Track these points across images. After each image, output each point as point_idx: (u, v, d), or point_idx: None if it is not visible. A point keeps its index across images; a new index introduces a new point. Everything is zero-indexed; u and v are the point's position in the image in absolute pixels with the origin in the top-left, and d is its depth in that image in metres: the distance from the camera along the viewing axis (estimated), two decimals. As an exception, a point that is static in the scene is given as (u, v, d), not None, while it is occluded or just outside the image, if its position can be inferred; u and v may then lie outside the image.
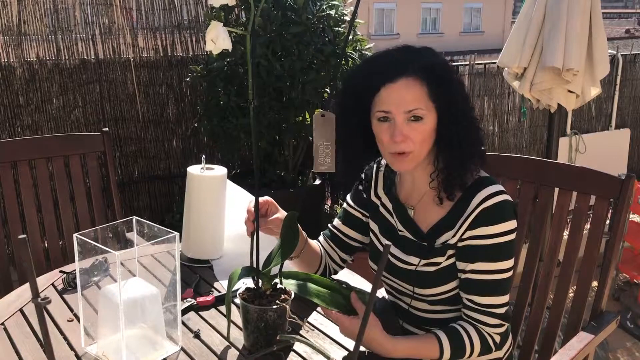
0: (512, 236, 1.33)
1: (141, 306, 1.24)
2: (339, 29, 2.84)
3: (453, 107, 1.31)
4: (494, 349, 1.36)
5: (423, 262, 1.37)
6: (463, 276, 1.34)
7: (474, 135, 1.35)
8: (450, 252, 1.35)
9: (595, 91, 2.68)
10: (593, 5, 2.51)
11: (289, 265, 1.49)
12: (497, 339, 1.36)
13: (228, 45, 1.16)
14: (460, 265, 1.34)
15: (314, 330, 1.39)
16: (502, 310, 1.34)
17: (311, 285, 1.30)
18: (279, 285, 1.32)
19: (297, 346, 1.31)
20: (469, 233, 1.32)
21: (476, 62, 3.74)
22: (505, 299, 1.34)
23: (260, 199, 1.41)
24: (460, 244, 1.34)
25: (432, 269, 1.37)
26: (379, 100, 1.31)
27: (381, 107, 1.31)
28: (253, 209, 1.35)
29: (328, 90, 2.78)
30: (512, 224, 1.32)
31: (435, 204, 1.38)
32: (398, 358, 1.27)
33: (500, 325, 1.35)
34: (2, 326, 1.36)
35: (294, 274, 1.33)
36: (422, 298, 1.41)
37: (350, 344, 1.33)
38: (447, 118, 1.31)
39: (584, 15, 2.49)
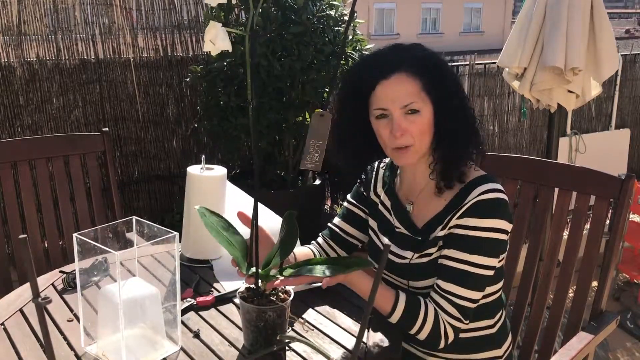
0: (498, 235, 1.32)
1: (141, 306, 1.24)
2: (339, 29, 2.84)
3: (448, 98, 1.33)
4: (442, 342, 1.32)
5: (416, 255, 1.39)
6: (439, 261, 1.36)
7: (471, 125, 1.37)
8: (441, 243, 1.37)
9: (595, 91, 2.68)
10: (595, 4, 2.51)
11: None
12: (450, 334, 1.32)
13: (227, 46, 1.15)
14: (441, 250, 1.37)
15: (313, 330, 1.39)
16: (463, 303, 1.31)
17: (308, 265, 1.28)
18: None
19: (297, 346, 1.31)
20: (455, 222, 1.34)
21: (476, 62, 3.75)
22: (471, 294, 1.31)
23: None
24: (447, 232, 1.35)
25: (425, 260, 1.38)
26: (375, 98, 1.34)
27: (378, 104, 1.34)
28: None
29: (328, 90, 2.78)
30: (500, 223, 1.31)
31: (435, 197, 1.39)
32: (354, 290, 1.33)
33: (458, 320, 1.32)
34: (2, 326, 1.36)
35: (294, 266, 1.32)
36: (417, 292, 1.41)
37: (350, 343, 1.33)
38: (443, 108, 1.33)
39: (585, 15, 2.48)
